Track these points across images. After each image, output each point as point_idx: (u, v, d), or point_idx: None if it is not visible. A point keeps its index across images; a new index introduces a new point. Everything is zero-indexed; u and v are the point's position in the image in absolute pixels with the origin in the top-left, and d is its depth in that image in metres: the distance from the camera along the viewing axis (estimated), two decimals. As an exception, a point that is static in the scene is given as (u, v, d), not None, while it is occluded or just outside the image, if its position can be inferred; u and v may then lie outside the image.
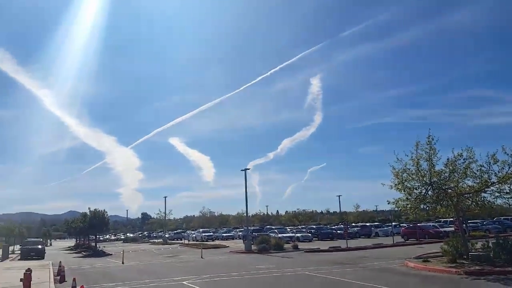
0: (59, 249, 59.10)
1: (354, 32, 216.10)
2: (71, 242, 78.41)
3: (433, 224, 42.23)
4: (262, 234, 42.51)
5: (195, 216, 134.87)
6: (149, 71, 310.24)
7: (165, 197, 65.87)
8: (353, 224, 62.95)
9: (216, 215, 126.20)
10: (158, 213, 79.88)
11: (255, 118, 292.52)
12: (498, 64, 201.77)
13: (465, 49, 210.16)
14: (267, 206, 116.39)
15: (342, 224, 50.13)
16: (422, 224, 42.37)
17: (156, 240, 70.84)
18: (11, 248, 45.18)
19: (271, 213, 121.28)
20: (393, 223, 46.22)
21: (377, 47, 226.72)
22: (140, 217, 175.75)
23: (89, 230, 44.22)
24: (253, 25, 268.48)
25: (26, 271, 10.88)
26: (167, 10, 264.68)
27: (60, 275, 18.30)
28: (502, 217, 48.00)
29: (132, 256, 34.28)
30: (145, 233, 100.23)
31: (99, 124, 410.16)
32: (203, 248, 33.52)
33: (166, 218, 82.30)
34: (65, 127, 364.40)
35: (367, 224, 58.77)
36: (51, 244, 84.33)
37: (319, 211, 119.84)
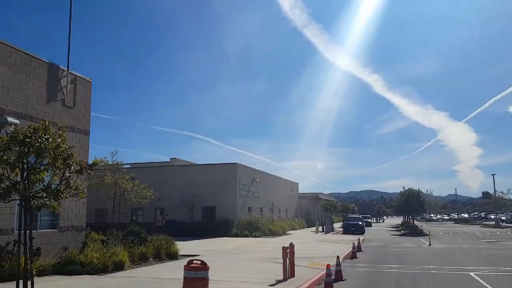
0: (386, 226, 62.18)
1: None
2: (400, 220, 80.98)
3: None
4: None
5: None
6: (475, 37, 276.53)
7: (493, 174, 57.35)
8: None
9: None
10: (497, 191, 71.16)
11: None
12: None
13: None
14: None
15: None
16: None
17: (489, 222, 62.90)
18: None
19: None
20: None
21: None
22: (481, 195, 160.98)
23: (406, 209, 44.26)
24: None
25: (289, 244, 12.07)
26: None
27: (352, 252, 19.26)
28: None
29: (447, 238, 31.96)
30: (482, 214, 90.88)
31: (429, 100, 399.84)
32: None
33: (504, 197, 72.20)
34: (394, 108, 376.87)
35: None
36: (383, 221, 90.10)
37: None
